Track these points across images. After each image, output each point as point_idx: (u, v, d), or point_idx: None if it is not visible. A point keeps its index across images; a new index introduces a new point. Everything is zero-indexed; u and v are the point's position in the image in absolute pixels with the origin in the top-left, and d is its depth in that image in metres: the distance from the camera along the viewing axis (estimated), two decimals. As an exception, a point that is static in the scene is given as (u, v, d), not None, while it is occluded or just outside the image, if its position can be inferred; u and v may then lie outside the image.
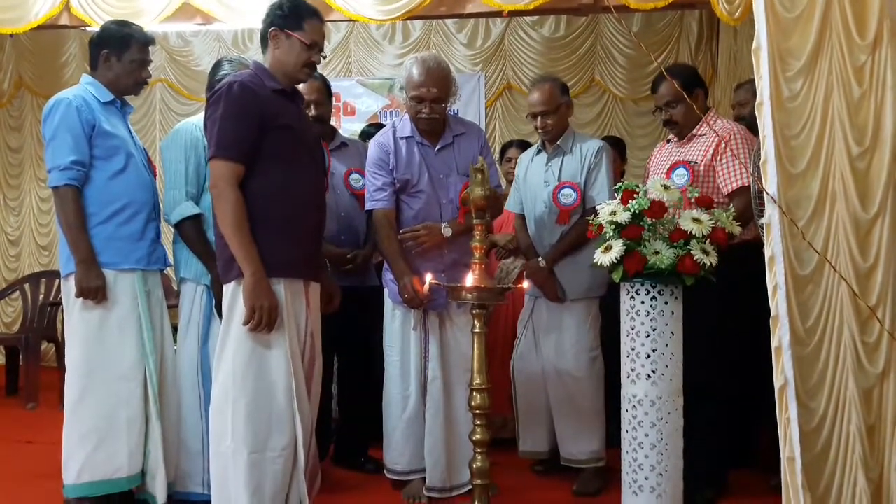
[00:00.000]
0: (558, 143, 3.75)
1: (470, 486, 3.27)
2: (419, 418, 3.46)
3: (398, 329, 3.49)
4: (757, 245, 3.07)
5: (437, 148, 3.46)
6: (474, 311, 2.96)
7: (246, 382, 2.75)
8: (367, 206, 3.51)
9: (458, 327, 3.45)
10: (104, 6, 4.23)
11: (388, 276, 3.52)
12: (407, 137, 3.47)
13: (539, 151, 3.87)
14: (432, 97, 3.34)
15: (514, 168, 4.59)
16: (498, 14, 4.41)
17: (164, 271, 3.39)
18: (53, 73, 7.28)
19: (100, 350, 3.11)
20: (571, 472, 3.73)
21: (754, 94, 2.90)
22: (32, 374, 5.44)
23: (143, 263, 3.20)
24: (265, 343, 2.77)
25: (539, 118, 3.71)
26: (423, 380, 3.45)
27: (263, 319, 2.72)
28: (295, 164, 2.88)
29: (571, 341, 3.69)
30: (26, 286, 5.95)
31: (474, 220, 3.03)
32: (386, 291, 3.54)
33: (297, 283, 2.88)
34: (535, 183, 3.81)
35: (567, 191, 3.66)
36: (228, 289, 2.81)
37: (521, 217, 3.94)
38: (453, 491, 3.46)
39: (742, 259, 3.13)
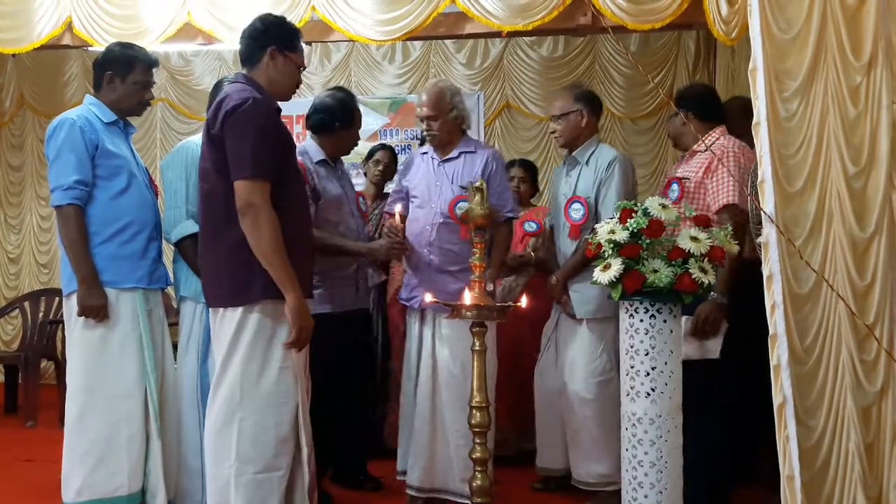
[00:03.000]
0: (574, 154, 3.77)
1: (451, 498, 3.44)
2: (409, 421, 3.61)
3: (410, 331, 3.71)
4: (750, 263, 3.09)
5: (441, 160, 3.66)
6: (474, 329, 2.97)
7: (254, 403, 2.74)
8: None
9: (446, 339, 3.52)
10: (106, 26, 4.27)
11: (402, 294, 3.71)
12: (425, 153, 3.77)
13: (565, 163, 3.90)
14: (425, 115, 3.62)
15: (517, 186, 4.67)
16: (496, 34, 4.46)
17: (165, 290, 3.40)
18: (55, 92, 7.32)
19: (101, 368, 3.12)
20: (584, 493, 3.70)
21: None
22: (32, 392, 5.43)
23: (144, 282, 3.21)
24: (277, 363, 2.77)
25: (551, 122, 3.84)
26: (416, 384, 3.59)
27: (305, 341, 2.76)
28: (299, 184, 2.93)
29: (582, 362, 3.67)
30: (26, 304, 5.95)
31: (474, 239, 3.05)
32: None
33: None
34: (557, 195, 3.86)
35: (576, 205, 3.67)
36: (235, 313, 2.75)
37: (552, 229, 3.98)
38: (431, 493, 3.53)
39: (749, 274, 3.15)
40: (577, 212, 3.65)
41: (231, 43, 4.36)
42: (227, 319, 2.78)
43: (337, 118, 3.77)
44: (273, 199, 2.72)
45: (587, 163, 3.73)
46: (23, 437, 5.11)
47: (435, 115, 3.58)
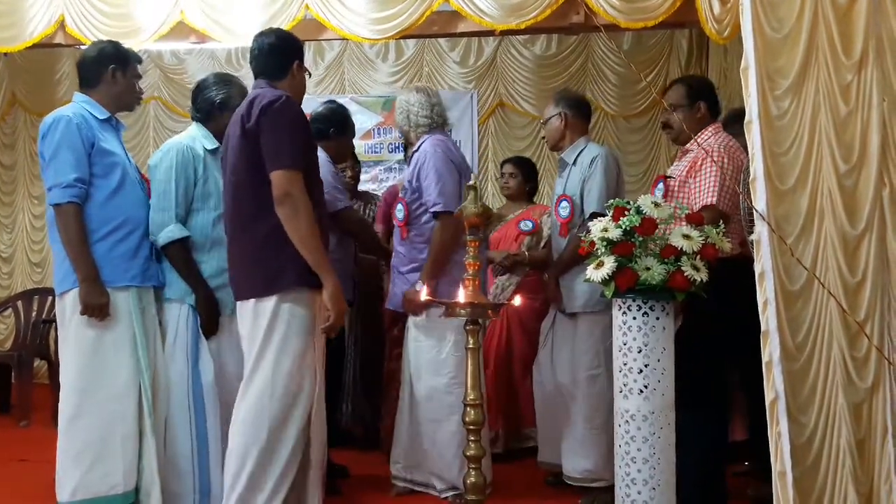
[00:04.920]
0: (563, 155, 3.86)
1: (428, 490, 3.64)
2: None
3: None
4: (737, 261, 3.10)
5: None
6: (468, 328, 2.98)
7: (285, 396, 2.86)
8: None
9: (407, 339, 3.74)
10: (99, 25, 4.27)
11: (397, 287, 3.78)
12: None
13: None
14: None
15: (506, 183, 4.70)
16: (490, 33, 4.47)
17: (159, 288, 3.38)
18: (47, 90, 7.29)
19: (96, 367, 3.11)
20: (579, 489, 3.72)
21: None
22: (25, 391, 5.42)
23: (137, 280, 3.20)
24: (307, 354, 2.89)
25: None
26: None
27: (340, 324, 2.91)
28: (319, 183, 3.05)
29: (570, 357, 3.73)
30: (19, 303, 5.93)
31: (468, 237, 3.06)
32: None
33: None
34: (553, 196, 3.97)
35: (564, 203, 3.74)
36: (269, 302, 2.87)
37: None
38: (408, 484, 3.74)
39: (721, 276, 3.14)
40: (564, 209, 3.73)
41: (224, 42, 4.37)
42: (260, 310, 2.88)
43: (332, 125, 4.01)
44: None
45: (575, 163, 3.79)
46: (16, 436, 5.10)
47: (399, 126, 3.93)
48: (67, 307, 3.12)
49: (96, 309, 3.07)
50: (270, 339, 2.86)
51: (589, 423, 3.66)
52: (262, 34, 3.18)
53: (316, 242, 2.83)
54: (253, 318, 2.91)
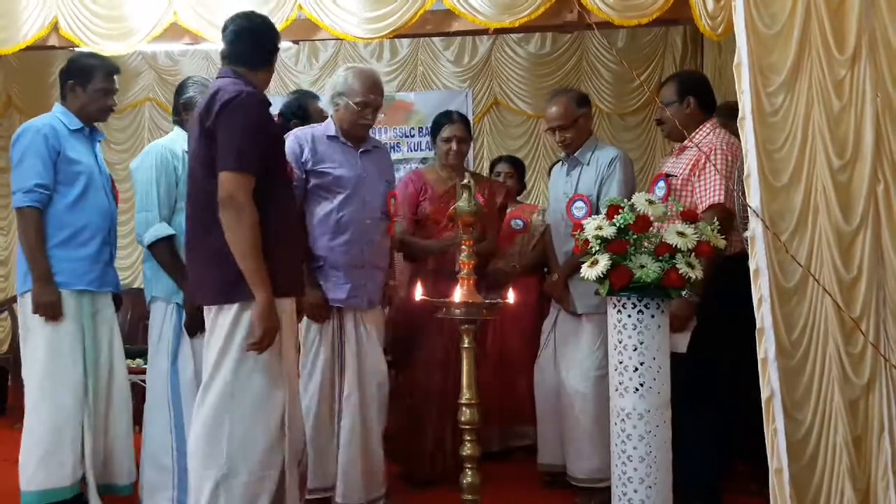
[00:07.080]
0: (576, 155, 3.80)
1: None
2: (326, 434, 3.44)
3: (312, 337, 3.49)
4: (736, 259, 3.10)
5: (359, 151, 3.58)
6: (463, 327, 2.97)
7: (244, 404, 2.71)
8: None
9: (372, 341, 3.51)
10: (93, 27, 4.24)
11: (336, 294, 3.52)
12: (330, 136, 3.55)
13: (563, 164, 3.93)
14: (376, 105, 3.56)
15: (507, 183, 4.69)
16: (484, 32, 4.45)
17: (117, 293, 3.51)
18: (42, 92, 7.26)
19: (52, 365, 3.24)
20: (578, 490, 3.70)
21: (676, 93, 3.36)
22: (21, 394, 5.39)
23: (95, 285, 3.34)
24: (269, 362, 2.74)
25: (557, 133, 3.80)
26: (335, 394, 3.46)
27: (268, 343, 2.70)
28: (286, 179, 2.93)
29: (580, 357, 3.71)
30: (15, 306, 5.91)
31: (462, 237, 3.06)
32: None
33: (294, 301, 2.90)
34: (556, 195, 3.91)
35: (579, 203, 3.70)
36: (230, 310, 2.72)
37: (547, 228, 4.03)
38: None
39: (730, 273, 3.15)
40: (579, 210, 3.69)
41: (218, 42, 4.33)
42: (221, 317, 2.75)
43: (292, 115, 3.97)
44: (258, 194, 2.70)
45: (588, 162, 3.77)
46: (11, 438, 5.04)
47: (380, 106, 3.59)
48: (27, 307, 3.27)
49: (47, 308, 3.20)
50: (229, 348, 2.71)
51: (596, 423, 3.62)
52: (243, 16, 2.98)
53: (253, 252, 2.63)
54: (213, 324, 2.77)
